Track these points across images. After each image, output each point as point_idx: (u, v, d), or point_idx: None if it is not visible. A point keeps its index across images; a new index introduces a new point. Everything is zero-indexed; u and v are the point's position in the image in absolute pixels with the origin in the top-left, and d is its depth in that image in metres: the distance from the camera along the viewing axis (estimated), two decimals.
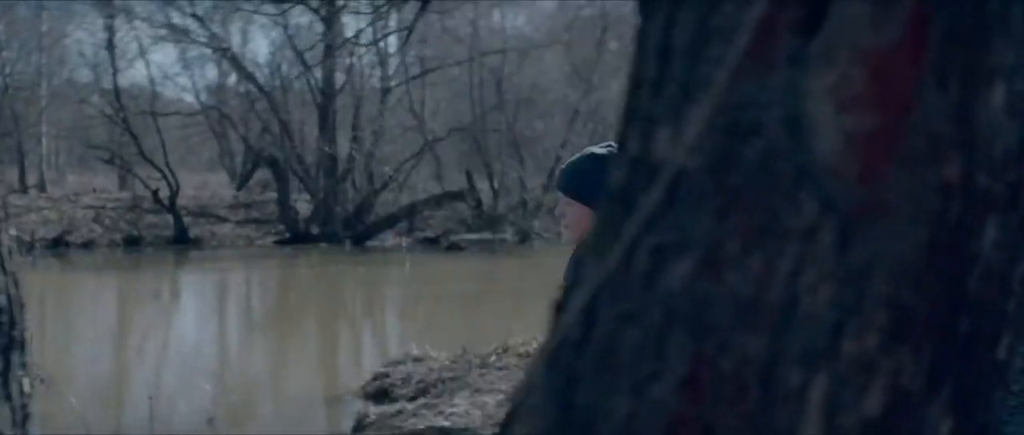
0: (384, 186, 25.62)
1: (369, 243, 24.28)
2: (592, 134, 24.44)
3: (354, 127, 25.73)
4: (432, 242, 23.37)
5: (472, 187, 25.04)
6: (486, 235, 23.73)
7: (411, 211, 24.08)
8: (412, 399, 8.02)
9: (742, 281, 0.93)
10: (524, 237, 23.84)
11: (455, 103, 27.94)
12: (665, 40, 1.21)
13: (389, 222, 24.90)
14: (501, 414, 4.77)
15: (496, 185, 25.43)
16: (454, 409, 7.45)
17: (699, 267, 0.95)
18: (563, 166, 3.03)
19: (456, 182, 25.75)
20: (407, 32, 15.46)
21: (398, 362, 9.14)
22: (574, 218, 2.81)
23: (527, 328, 9.59)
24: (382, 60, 26.15)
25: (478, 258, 21.31)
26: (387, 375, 8.76)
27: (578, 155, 3.01)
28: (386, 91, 25.29)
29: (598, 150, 2.94)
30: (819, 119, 0.85)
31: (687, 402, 1.23)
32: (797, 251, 0.86)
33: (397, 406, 7.67)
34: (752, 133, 0.89)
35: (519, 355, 9.11)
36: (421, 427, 7.02)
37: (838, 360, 0.84)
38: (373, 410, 7.80)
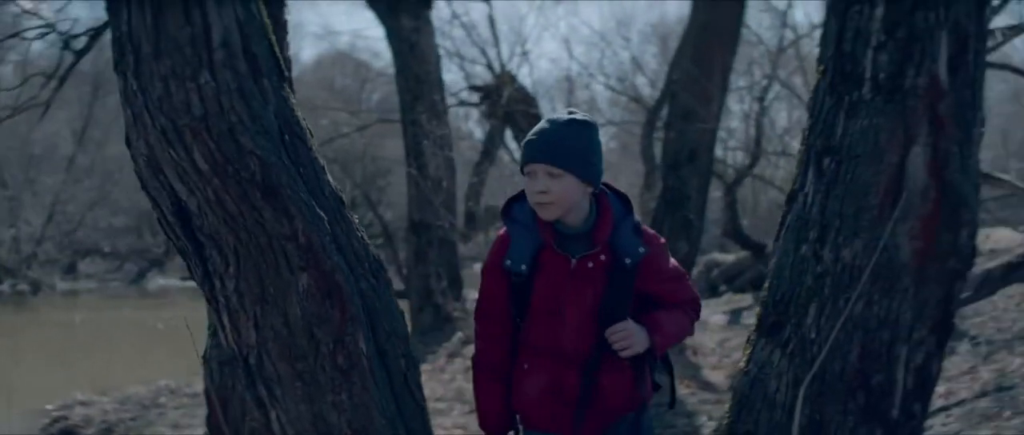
0: None
1: None
2: (99, 189, 24.37)
3: None
4: None
5: None
6: None
7: None
8: None
9: None
10: (36, 288, 22.97)
11: None
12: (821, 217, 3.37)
13: None
14: None
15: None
16: None
17: None
18: (532, 136, 2.64)
19: None
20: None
21: (67, 406, 9.36)
22: (561, 191, 2.58)
23: (155, 375, 10.32)
24: None
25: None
26: (66, 417, 9.00)
27: (548, 124, 2.65)
28: None
29: (563, 117, 2.66)
30: None
31: None
32: None
33: None
34: None
35: (187, 396, 9.85)
36: None
37: None
38: None
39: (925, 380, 3.31)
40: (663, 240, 2.84)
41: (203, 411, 9.29)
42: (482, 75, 17.58)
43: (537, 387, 2.79)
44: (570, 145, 2.57)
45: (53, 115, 26.81)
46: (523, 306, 2.76)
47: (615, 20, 39.37)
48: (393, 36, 12.77)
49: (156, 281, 27.25)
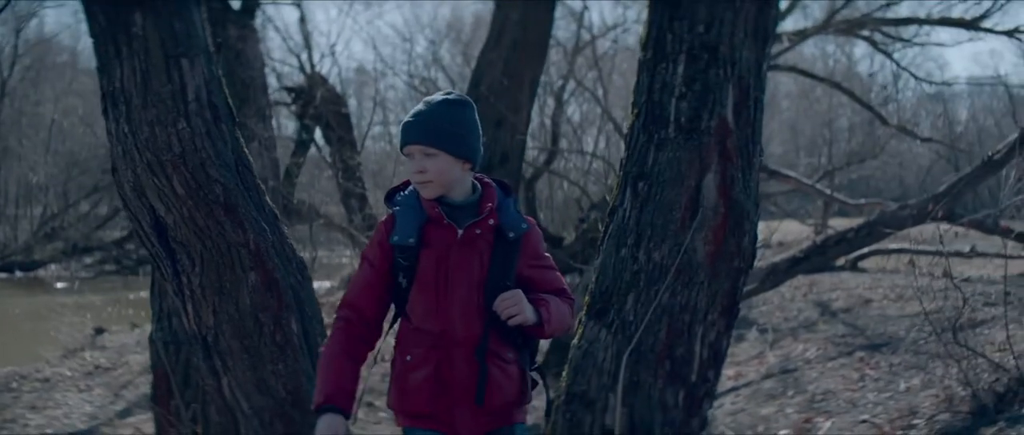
0: None
1: None
2: None
3: None
4: None
5: None
6: None
7: None
8: None
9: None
10: None
11: None
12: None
13: None
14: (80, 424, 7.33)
15: None
16: (39, 423, 8.67)
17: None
18: (409, 118, 2.75)
19: None
20: None
21: None
22: (438, 170, 2.68)
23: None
24: None
25: None
26: None
27: (424, 106, 2.76)
28: None
29: (437, 98, 2.77)
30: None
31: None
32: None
33: None
34: None
35: (38, 380, 10.29)
36: None
37: None
38: None
39: (717, 353, 4.04)
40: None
41: (55, 393, 9.87)
42: (285, 73, 17.86)
43: (421, 378, 2.76)
44: (443, 125, 2.69)
45: None
46: (408, 285, 2.77)
47: (419, 22, 40.32)
48: (220, 44, 13.26)
49: None
